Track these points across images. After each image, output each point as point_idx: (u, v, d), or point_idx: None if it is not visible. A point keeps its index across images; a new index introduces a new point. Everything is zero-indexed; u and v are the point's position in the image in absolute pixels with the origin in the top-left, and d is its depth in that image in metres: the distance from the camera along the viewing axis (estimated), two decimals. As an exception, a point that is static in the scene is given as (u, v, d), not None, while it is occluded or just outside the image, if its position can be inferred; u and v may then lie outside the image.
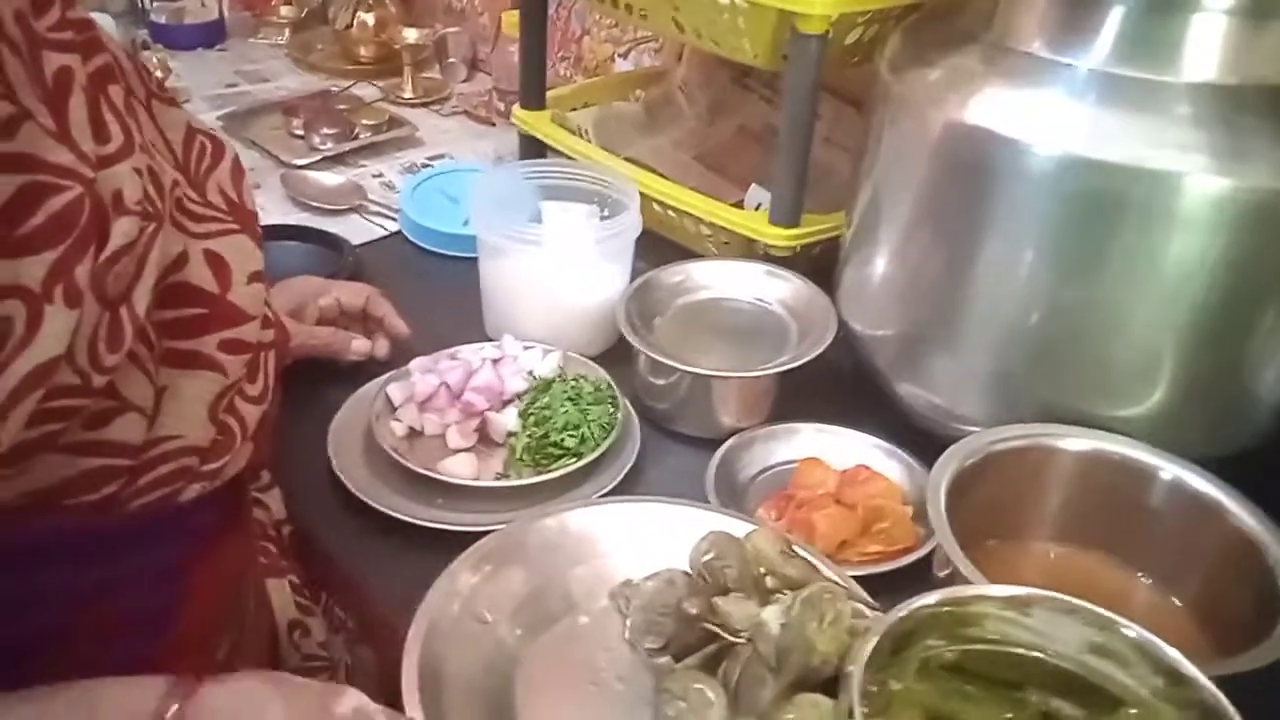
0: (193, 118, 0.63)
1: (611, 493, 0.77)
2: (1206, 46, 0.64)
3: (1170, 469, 0.66)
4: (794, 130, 0.89)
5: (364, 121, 1.32)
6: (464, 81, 1.51)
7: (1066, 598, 0.50)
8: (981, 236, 0.70)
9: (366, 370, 0.88)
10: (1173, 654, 0.48)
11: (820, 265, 0.91)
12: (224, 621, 0.62)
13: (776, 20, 0.87)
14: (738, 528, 0.64)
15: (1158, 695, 0.49)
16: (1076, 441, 0.68)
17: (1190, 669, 0.48)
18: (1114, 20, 0.65)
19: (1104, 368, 0.70)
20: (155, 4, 1.55)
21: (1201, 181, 0.63)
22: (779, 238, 0.92)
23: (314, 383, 0.86)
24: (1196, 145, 0.63)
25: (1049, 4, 0.68)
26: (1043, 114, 0.66)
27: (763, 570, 0.61)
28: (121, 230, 0.51)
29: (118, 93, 0.55)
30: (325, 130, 1.29)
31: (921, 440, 0.77)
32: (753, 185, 1.01)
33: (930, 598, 0.49)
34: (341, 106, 1.36)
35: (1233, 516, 0.63)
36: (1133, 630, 0.49)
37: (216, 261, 0.58)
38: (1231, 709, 0.46)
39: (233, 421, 0.57)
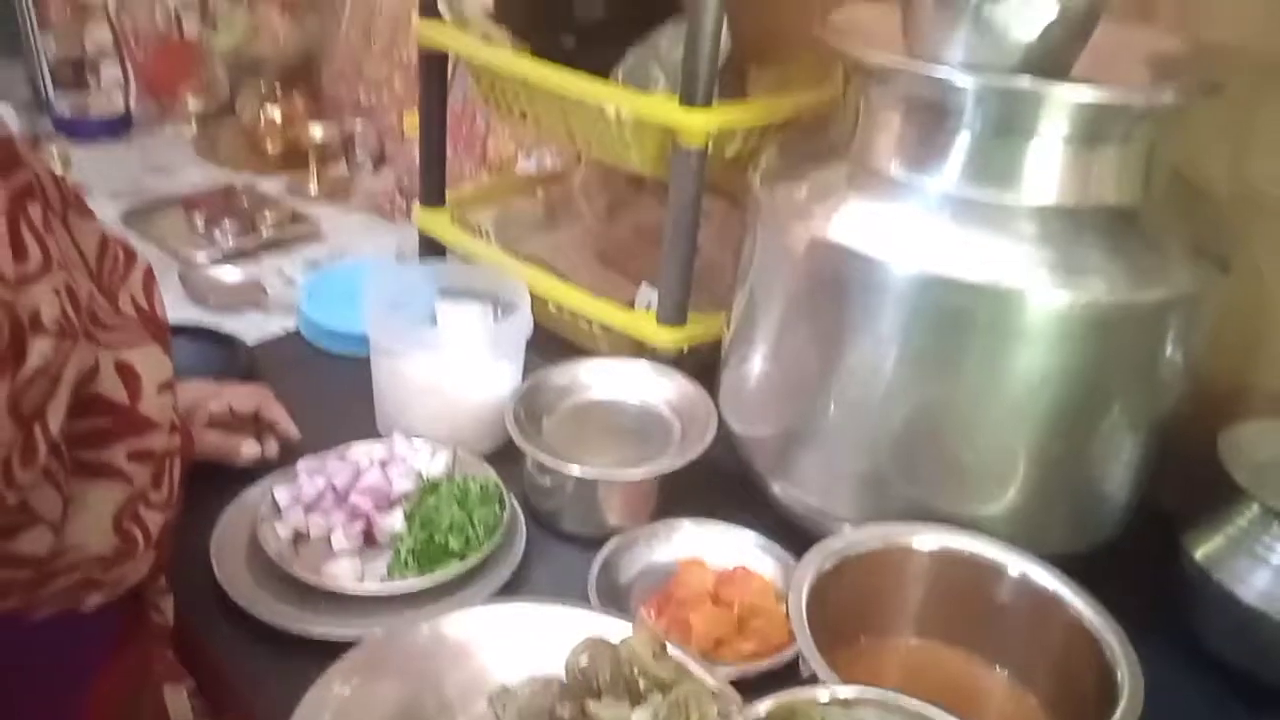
0: (107, 227, 0.64)
1: (499, 594, 0.77)
2: (1046, 170, 0.70)
3: (1016, 565, 0.69)
4: (677, 235, 0.92)
5: (268, 217, 1.33)
6: (371, 174, 1.53)
7: (890, 695, 0.52)
8: (846, 343, 0.74)
9: (253, 469, 0.88)
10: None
11: (708, 362, 0.94)
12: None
13: (660, 134, 0.91)
14: (617, 628, 0.65)
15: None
16: (929, 540, 0.71)
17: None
18: (961, 145, 0.70)
19: (963, 468, 0.74)
20: (59, 94, 1.55)
21: (1043, 297, 0.67)
22: (664, 340, 0.95)
23: (200, 482, 0.86)
24: (1039, 263, 0.68)
25: (903, 126, 0.73)
26: (899, 232, 0.71)
27: (636, 672, 0.63)
28: (39, 350, 0.52)
29: (36, 211, 0.56)
30: (228, 226, 1.29)
31: (799, 537, 0.80)
32: (643, 284, 1.05)
33: (763, 704, 0.52)
34: (245, 202, 1.37)
35: (1073, 609, 0.66)
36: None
37: (127, 372, 0.59)
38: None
39: (136, 530, 0.57)
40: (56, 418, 0.52)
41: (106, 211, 1.31)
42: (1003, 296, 0.68)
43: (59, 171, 1.28)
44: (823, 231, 0.73)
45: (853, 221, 0.72)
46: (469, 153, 1.47)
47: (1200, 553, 0.75)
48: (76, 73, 1.56)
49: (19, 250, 0.53)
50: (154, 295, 0.66)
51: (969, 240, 0.69)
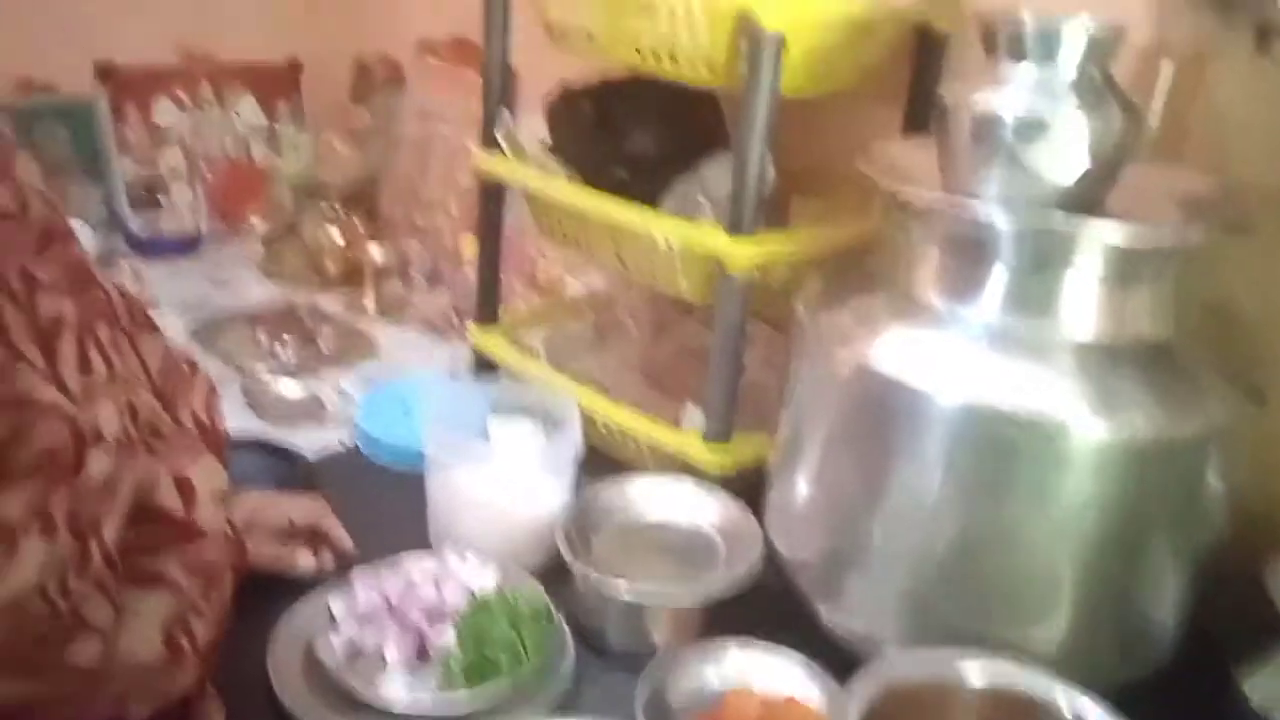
0: (171, 343, 0.67)
1: (547, 713, 0.78)
2: (1082, 304, 0.72)
3: (1070, 703, 0.68)
4: (723, 359, 0.95)
5: (327, 333, 1.39)
6: (426, 292, 1.59)
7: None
8: (890, 468, 0.76)
9: (309, 580, 0.91)
10: None
11: (754, 482, 0.96)
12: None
13: (707, 262, 0.95)
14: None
15: None
16: (979, 673, 0.70)
17: None
18: (999, 278, 0.73)
19: (1008, 594, 0.74)
20: (133, 214, 1.63)
21: (1083, 429, 0.69)
22: (710, 460, 0.98)
23: (257, 592, 0.88)
24: (1078, 395, 0.70)
25: (941, 259, 0.76)
26: (940, 361, 0.73)
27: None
28: (98, 464, 0.55)
29: (104, 329, 0.60)
30: (289, 342, 1.35)
31: (845, 660, 0.80)
32: (689, 405, 1.08)
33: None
34: (306, 319, 1.43)
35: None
36: None
37: (183, 483, 0.62)
38: None
39: (185, 640, 0.58)
40: (112, 529, 0.54)
41: (175, 326, 1.37)
42: (1043, 427, 0.69)
43: (131, 287, 1.35)
44: (866, 359, 0.76)
45: (895, 349, 0.75)
46: (519, 273, 1.52)
47: (1250, 685, 0.74)
48: (150, 193, 1.64)
49: (85, 366, 0.57)
50: (214, 409, 0.68)
51: (1009, 370, 0.71)
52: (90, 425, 0.55)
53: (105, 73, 1.59)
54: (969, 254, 0.74)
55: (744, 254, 0.91)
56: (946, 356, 0.73)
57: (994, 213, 0.71)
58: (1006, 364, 0.72)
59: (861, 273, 0.84)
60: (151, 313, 0.69)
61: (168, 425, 0.63)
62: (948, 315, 0.75)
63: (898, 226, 0.79)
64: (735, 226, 0.91)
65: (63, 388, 0.54)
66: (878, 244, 0.84)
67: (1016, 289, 0.73)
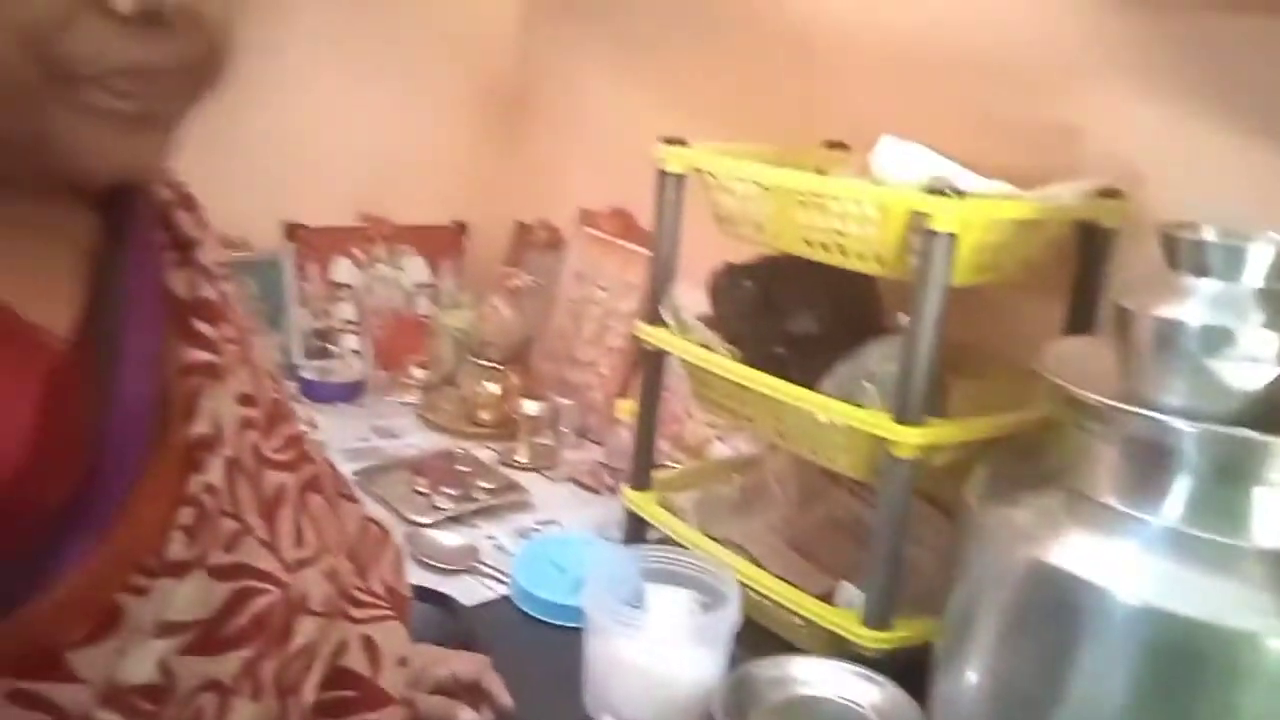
0: (368, 511, 0.73)
1: None
2: (1271, 514, 0.72)
3: None
4: (886, 542, 0.96)
5: (481, 484, 1.44)
6: (572, 448, 1.64)
7: None
8: (1068, 668, 0.75)
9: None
10: None
11: (912, 661, 0.95)
12: None
13: (870, 442, 0.98)
14: None
15: None
16: None
17: None
18: (1182, 486, 0.73)
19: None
20: (306, 361, 1.74)
21: (1273, 642, 0.68)
22: (872, 641, 0.98)
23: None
24: (1268, 608, 0.69)
25: (1121, 462, 0.77)
26: (1120, 564, 0.73)
27: None
28: (304, 630, 0.59)
29: (317, 501, 0.65)
30: (447, 491, 1.41)
31: None
32: (843, 582, 1.08)
33: None
34: (462, 468, 1.49)
35: None
36: None
37: (371, 647, 0.65)
38: None
39: None
40: (311, 691, 0.58)
41: (343, 470, 1.44)
42: (1230, 637, 0.69)
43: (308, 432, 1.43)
44: (1045, 557, 0.76)
45: (1074, 550, 0.75)
46: (666, 433, 1.56)
47: None
48: (323, 342, 1.76)
49: (299, 538, 0.61)
50: (401, 575, 0.73)
51: (1194, 577, 0.71)
52: (300, 594, 0.59)
53: (292, 232, 1.73)
54: (1151, 459, 0.74)
55: (911, 439, 0.93)
56: (1126, 560, 0.73)
57: (1178, 422, 0.72)
58: (1190, 571, 0.72)
59: (1034, 467, 0.85)
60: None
61: (361, 591, 0.68)
62: (1127, 518, 0.75)
63: (1074, 426, 0.81)
64: (902, 412, 0.93)
65: (279, 557, 0.59)
66: (1052, 440, 0.85)
67: (1201, 498, 0.73)
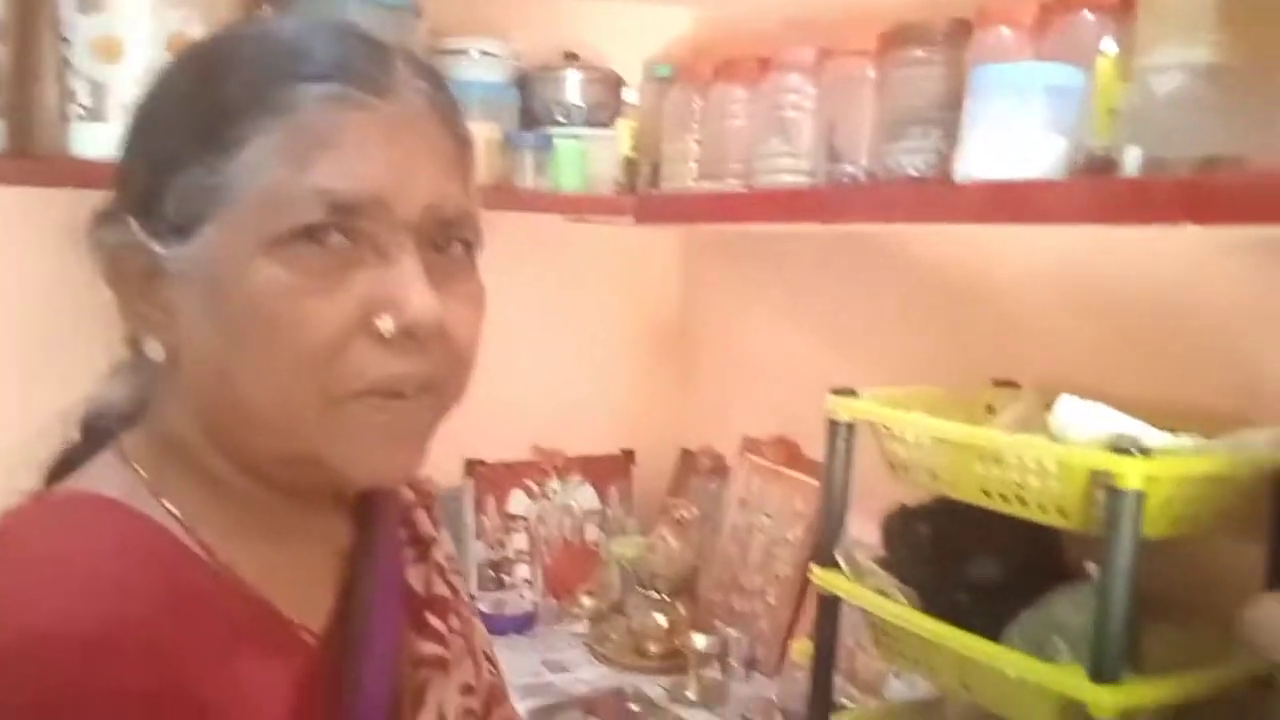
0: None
1: None
2: None
3: None
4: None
5: (654, 724, 1.44)
6: (741, 682, 1.62)
7: None
8: None
9: None
10: None
11: None
12: None
13: (1064, 702, 0.94)
14: None
15: None
16: None
17: None
18: None
19: None
20: (480, 593, 1.80)
21: None
22: None
23: None
24: None
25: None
26: None
27: None
28: None
29: (473, 701, 0.68)
30: (620, 732, 1.40)
31: None
32: None
33: None
34: (634, 707, 1.49)
35: None
36: None
37: None
38: None
39: None
40: None
41: (520, 708, 1.46)
42: None
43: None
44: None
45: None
46: (839, 668, 1.53)
47: None
48: (497, 573, 1.82)
49: None
50: None
51: None
52: None
53: (471, 468, 1.83)
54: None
55: (1111, 702, 0.89)
56: None
57: None
58: None
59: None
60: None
61: None
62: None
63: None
64: (1098, 672, 0.90)
65: None
66: (1263, 703, 0.81)
67: None
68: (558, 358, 1.89)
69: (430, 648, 0.62)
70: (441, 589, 0.66)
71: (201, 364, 0.58)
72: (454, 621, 0.66)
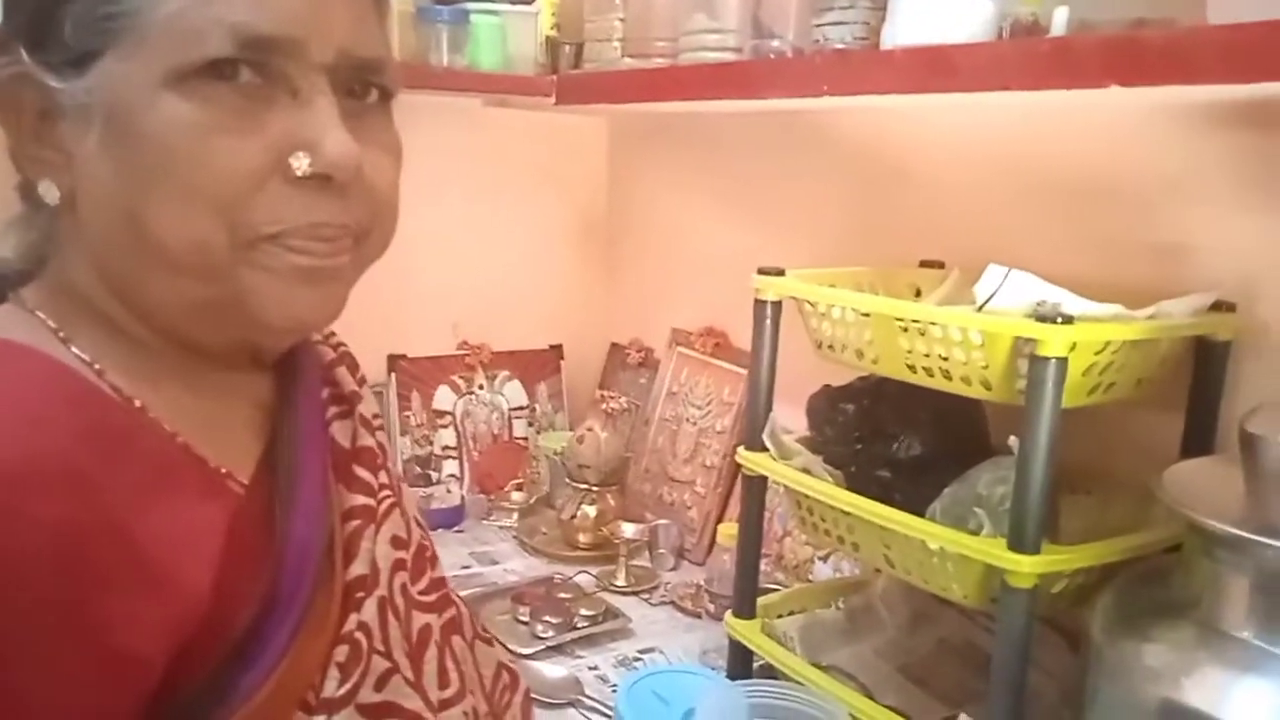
0: (501, 654, 0.74)
1: None
2: None
3: None
4: (1007, 673, 0.93)
5: (582, 611, 1.44)
6: (671, 570, 1.63)
7: None
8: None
9: None
10: None
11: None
12: None
13: (983, 569, 0.95)
14: None
15: None
16: None
17: None
18: (1325, 620, 0.70)
19: None
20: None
21: None
22: (996, 780, 0.94)
23: None
24: None
25: (1256, 595, 0.74)
26: (1258, 700, 0.70)
27: None
28: None
29: (458, 642, 0.67)
30: (548, 619, 1.40)
31: None
32: (962, 716, 1.04)
33: None
34: (563, 595, 1.49)
35: None
36: None
37: None
38: None
39: None
40: None
41: (445, 601, 1.45)
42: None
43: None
44: (1178, 696, 0.73)
45: (1208, 689, 0.72)
46: (765, 552, 1.55)
47: None
48: (423, 470, 1.79)
49: (444, 679, 0.63)
50: (529, 716, 0.74)
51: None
52: None
53: (394, 363, 1.78)
54: (1289, 591, 0.71)
55: (1028, 568, 0.90)
56: (1264, 697, 0.70)
57: (1317, 552, 0.69)
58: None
59: (1160, 597, 0.82)
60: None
61: None
62: (1265, 652, 0.72)
63: (1202, 554, 0.78)
64: (1018, 541, 0.91)
65: (425, 697, 0.60)
66: (1178, 568, 0.82)
67: (1347, 631, 0.69)
68: (481, 250, 1.84)
69: (359, 499, 0.61)
70: (368, 441, 0.65)
71: (103, 208, 0.55)
72: (382, 476, 0.64)
